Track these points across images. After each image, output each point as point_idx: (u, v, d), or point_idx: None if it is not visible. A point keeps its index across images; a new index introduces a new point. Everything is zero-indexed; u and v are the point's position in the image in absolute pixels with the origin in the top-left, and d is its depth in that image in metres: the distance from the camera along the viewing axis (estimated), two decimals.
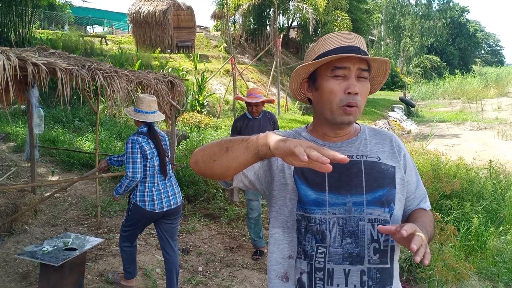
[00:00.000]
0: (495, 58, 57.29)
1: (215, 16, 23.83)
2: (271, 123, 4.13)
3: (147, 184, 3.10)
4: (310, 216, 1.19)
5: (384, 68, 1.26)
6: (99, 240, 3.53)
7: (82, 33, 20.16)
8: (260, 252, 4.26)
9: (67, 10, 25.17)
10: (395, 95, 24.82)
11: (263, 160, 1.17)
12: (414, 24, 37.14)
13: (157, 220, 3.21)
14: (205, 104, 12.53)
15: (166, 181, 3.19)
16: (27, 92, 4.39)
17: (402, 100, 21.70)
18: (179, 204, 3.25)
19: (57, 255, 3.00)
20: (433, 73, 39.31)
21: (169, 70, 12.60)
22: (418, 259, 1.00)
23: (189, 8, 19.26)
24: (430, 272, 3.37)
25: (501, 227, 4.28)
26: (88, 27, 28.49)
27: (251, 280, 3.79)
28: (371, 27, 29.59)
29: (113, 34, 25.64)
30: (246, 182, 1.27)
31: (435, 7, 39.85)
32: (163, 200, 3.13)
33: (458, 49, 46.42)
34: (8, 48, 3.24)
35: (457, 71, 40.78)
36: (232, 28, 21.64)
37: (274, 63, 14.89)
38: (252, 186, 1.30)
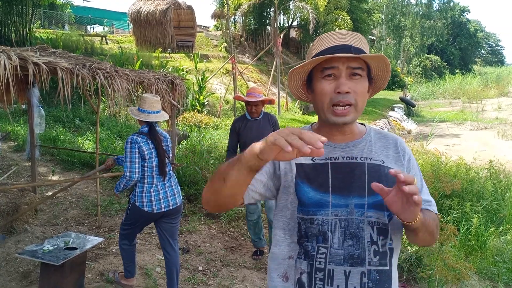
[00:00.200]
0: (496, 58, 57.26)
1: (215, 16, 23.85)
2: (271, 125, 3.96)
3: (145, 185, 3.09)
4: (313, 218, 1.20)
5: (383, 64, 1.24)
6: (100, 239, 3.54)
7: (83, 33, 20.16)
8: (260, 252, 4.25)
9: (68, 10, 25.17)
10: (396, 94, 24.80)
11: (269, 172, 1.23)
12: (414, 24, 37.14)
13: (157, 220, 3.20)
14: (205, 103, 12.53)
15: (166, 182, 3.16)
16: (28, 91, 4.39)
17: (403, 99, 21.70)
18: (178, 204, 3.23)
19: (57, 254, 3.01)
20: (433, 73, 39.30)
21: (170, 70, 12.61)
22: (406, 188, 1.00)
23: (190, 8, 19.26)
24: (430, 272, 3.37)
25: (501, 227, 4.28)
26: (88, 27, 28.49)
27: (251, 279, 3.80)
28: (372, 27, 29.57)
29: (113, 33, 25.65)
30: (257, 197, 1.28)
31: (435, 7, 39.86)
32: (162, 201, 3.11)
33: (459, 49, 46.40)
34: (9, 47, 3.24)
35: (457, 71, 40.78)
36: (232, 28, 21.63)
37: (275, 62, 14.89)
38: (264, 197, 1.31)
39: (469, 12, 57.99)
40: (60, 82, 3.29)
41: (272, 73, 15.22)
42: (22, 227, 4.42)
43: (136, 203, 3.08)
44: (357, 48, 1.20)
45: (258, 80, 16.93)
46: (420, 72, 38.62)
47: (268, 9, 21.78)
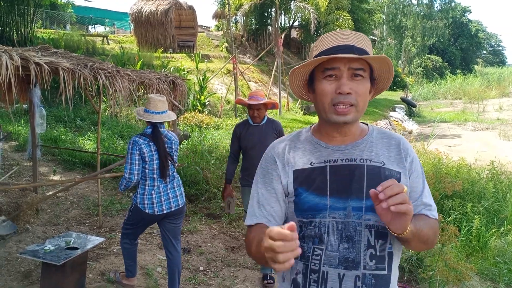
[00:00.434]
0: (497, 59, 57.17)
1: (216, 16, 23.85)
2: (275, 132, 3.70)
3: (147, 187, 3.07)
4: (312, 220, 1.19)
5: (386, 65, 1.22)
6: (101, 239, 3.54)
7: (84, 33, 20.18)
8: (269, 278, 3.74)
9: (69, 10, 25.21)
10: (397, 95, 24.80)
11: (277, 192, 1.26)
12: (415, 24, 37.14)
13: (160, 220, 3.20)
14: (206, 103, 12.54)
15: (168, 183, 3.13)
16: (30, 91, 4.40)
17: (404, 100, 21.69)
18: (180, 206, 3.20)
19: (58, 254, 3.01)
20: (434, 73, 39.26)
21: (171, 70, 12.62)
22: (381, 195, 1.00)
23: (191, 8, 19.27)
24: (431, 273, 3.37)
25: (503, 228, 4.27)
26: (90, 27, 28.54)
27: (252, 279, 3.80)
28: (373, 27, 29.57)
29: (115, 33, 25.67)
30: (278, 218, 1.29)
31: (437, 7, 39.86)
32: (163, 202, 3.09)
33: (460, 49, 46.33)
34: (11, 47, 3.24)
35: (458, 71, 40.71)
36: (233, 28, 21.64)
37: (276, 63, 14.89)
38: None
39: (471, 12, 58.00)
40: (61, 82, 3.29)
41: (273, 73, 15.21)
42: (23, 227, 4.43)
43: (138, 205, 3.08)
44: (360, 49, 1.19)
45: (259, 80, 16.93)
46: (421, 73, 38.59)
47: (269, 9, 21.79)
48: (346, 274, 1.16)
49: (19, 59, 2.99)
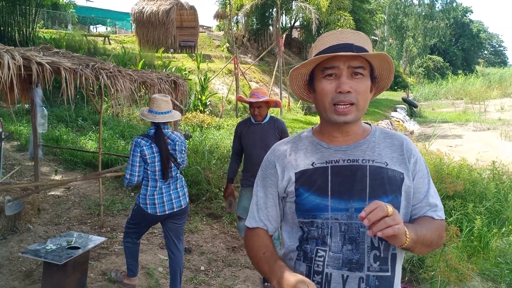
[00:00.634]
0: (498, 59, 57.06)
1: (218, 16, 23.87)
2: (277, 132, 3.55)
3: (149, 188, 3.07)
4: (313, 221, 1.19)
5: (386, 62, 1.21)
6: (102, 239, 3.54)
7: (86, 33, 20.20)
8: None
9: (71, 10, 25.24)
10: (398, 95, 24.79)
11: (274, 198, 1.30)
12: (417, 24, 37.08)
13: (162, 220, 3.20)
14: (207, 103, 12.55)
15: (171, 184, 3.13)
16: (31, 91, 4.40)
17: (405, 100, 21.69)
18: (183, 207, 3.19)
19: (60, 254, 3.02)
20: (436, 73, 39.21)
21: (172, 70, 12.63)
22: (365, 222, 1.02)
23: (192, 8, 19.29)
24: (432, 273, 3.36)
25: (504, 228, 4.27)
26: (91, 27, 28.57)
27: (253, 279, 3.80)
28: (374, 27, 29.51)
29: (116, 33, 25.70)
30: (274, 221, 1.36)
31: (438, 7, 39.77)
32: (165, 203, 3.09)
33: (461, 49, 46.26)
34: (13, 47, 3.25)
35: (460, 71, 40.67)
36: (234, 28, 21.64)
37: (277, 63, 14.90)
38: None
39: (472, 12, 57.83)
40: (63, 82, 3.29)
41: (274, 73, 15.22)
42: (25, 227, 4.44)
43: (141, 205, 3.09)
44: (359, 47, 1.18)
45: (260, 81, 16.93)
46: (423, 73, 38.54)
47: (271, 10, 21.79)
48: (350, 275, 1.15)
49: (21, 59, 3.00)
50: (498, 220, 4.53)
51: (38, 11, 15.36)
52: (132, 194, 5.98)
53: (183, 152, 3.23)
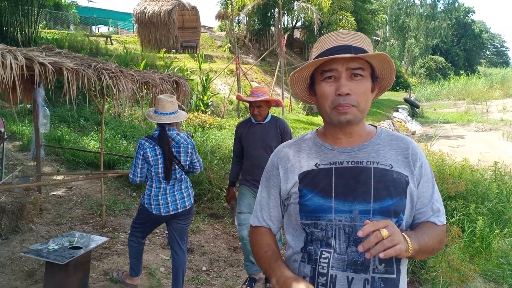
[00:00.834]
0: (500, 59, 56.92)
1: (219, 16, 23.87)
2: (279, 132, 3.40)
3: (153, 189, 3.08)
4: (316, 222, 1.19)
5: (385, 62, 1.20)
6: (104, 239, 3.55)
7: (88, 33, 20.25)
8: (251, 280, 3.50)
9: (73, 10, 25.27)
10: (400, 95, 24.74)
11: (277, 199, 1.32)
12: (419, 25, 37.05)
13: (167, 220, 3.21)
14: (209, 104, 12.56)
15: (175, 185, 3.13)
16: (34, 91, 4.41)
17: (407, 100, 21.66)
18: (187, 207, 3.20)
19: (62, 254, 3.02)
20: (438, 73, 39.15)
21: (174, 70, 12.65)
22: (360, 248, 1.04)
23: (194, 8, 19.31)
24: (434, 274, 3.36)
25: (506, 229, 4.26)
26: (93, 27, 28.59)
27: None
28: (376, 28, 29.53)
29: (118, 34, 25.73)
30: (277, 221, 1.38)
31: (440, 8, 39.71)
32: (170, 204, 3.09)
33: (463, 49, 46.18)
34: (15, 47, 3.26)
35: (462, 72, 40.59)
36: (236, 28, 21.64)
37: (278, 63, 14.90)
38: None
39: (474, 13, 57.64)
40: (65, 82, 3.30)
41: (276, 73, 15.23)
42: (27, 226, 4.45)
43: (145, 205, 3.10)
44: (358, 48, 1.17)
45: (262, 81, 16.94)
46: (425, 73, 38.49)
47: (272, 10, 21.79)
48: (355, 277, 1.14)
49: (24, 59, 3.01)
50: (500, 221, 4.52)
51: (40, 12, 15.40)
52: (134, 194, 5.99)
53: (189, 154, 3.16)
